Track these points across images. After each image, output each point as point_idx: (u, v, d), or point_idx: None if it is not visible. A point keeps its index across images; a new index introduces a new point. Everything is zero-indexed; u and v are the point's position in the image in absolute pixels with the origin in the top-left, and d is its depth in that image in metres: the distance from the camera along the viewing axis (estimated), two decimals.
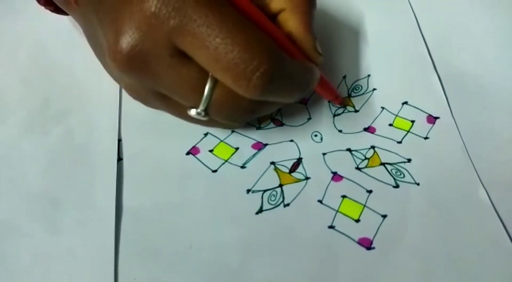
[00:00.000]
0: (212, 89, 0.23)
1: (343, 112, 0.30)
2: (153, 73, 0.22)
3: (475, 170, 0.27)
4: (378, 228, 0.25)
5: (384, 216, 0.26)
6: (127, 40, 0.21)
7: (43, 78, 0.31)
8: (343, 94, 0.31)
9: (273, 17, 0.26)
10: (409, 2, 0.35)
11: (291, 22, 0.25)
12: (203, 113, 0.23)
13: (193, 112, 0.24)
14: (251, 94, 0.21)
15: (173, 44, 0.21)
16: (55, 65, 0.32)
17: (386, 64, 0.32)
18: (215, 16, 0.20)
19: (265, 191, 0.27)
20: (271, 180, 0.27)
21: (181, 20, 0.20)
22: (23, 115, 0.30)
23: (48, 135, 0.29)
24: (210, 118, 0.24)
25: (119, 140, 0.28)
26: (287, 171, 0.28)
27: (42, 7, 0.30)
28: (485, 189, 0.27)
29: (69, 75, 0.31)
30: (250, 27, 0.21)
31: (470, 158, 0.28)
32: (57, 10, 0.29)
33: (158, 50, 0.21)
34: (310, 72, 0.25)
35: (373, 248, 0.25)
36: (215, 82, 0.22)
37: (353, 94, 0.31)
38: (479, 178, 0.27)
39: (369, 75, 0.32)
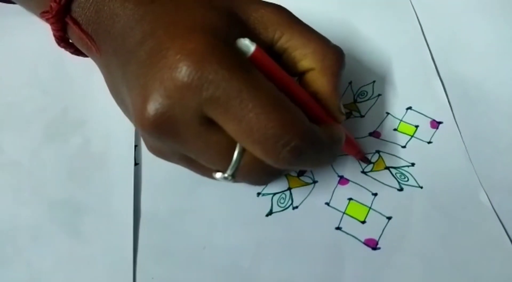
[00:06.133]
0: (240, 156, 0.22)
1: (349, 117, 0.31)
2: (181, 139, 0.22)
3: (476, 174, 0.28)
4: (383, 229, 0.27)
5: (389, 218, 0.27)
6: (155, 107, 0.20)
7: (62, 89, 0.32)
8: (349, 100, 0.32)
9: (299, 74, 0.26)
10: (413, 9, 0.36)
11: (320, 82, 0.25)
12: (230, 178, 0.23)
13: (219, 175, 0.23)
14: (279, 165, 0.21)
15: (203, 113, 0.21)
16: (73, 76, 0.33)
17: (391, 71, 0.33)
18: (249, 91, 0.20)
19: (274, 194, 0.28)
20: (281, 183, 0.28)
21: (214, 92, 0.20)
22: (44, 125, 0.31)
23: (68, 143, 0.30)
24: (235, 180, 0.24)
25: (135, 146, 0.30)
26: (296, 174, 0.29)
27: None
28: (485, 192, 0.28)
29: (87, 85, 0.32)
30: (283, 101, 0.21)
31: (471, 161, 0.29)
32: (77, 52, 0.28)
33: (188, 118, 0.21)
34: (338, 143, 0.24)
35: (379, 248, 0.26)
36: (244, 149, 0.22)
37: (358, 100, 0.32)
38: (480, 182, 0.28)
39: (374, 81, 0.33)
